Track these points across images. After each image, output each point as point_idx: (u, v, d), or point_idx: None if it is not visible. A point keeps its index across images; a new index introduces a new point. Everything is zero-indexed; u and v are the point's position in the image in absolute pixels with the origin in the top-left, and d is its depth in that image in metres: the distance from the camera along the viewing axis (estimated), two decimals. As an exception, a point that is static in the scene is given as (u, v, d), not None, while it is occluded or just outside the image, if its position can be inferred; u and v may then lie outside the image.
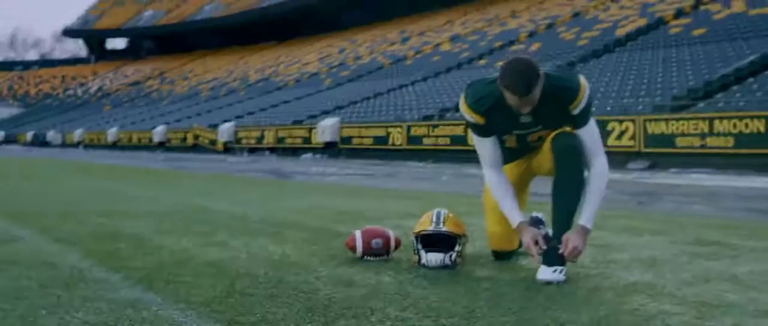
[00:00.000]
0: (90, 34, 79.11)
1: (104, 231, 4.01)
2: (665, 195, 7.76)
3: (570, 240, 2.74)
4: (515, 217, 2.91)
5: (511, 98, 2.68)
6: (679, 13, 26.20)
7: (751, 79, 16.58)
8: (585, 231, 2.79)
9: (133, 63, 75.39)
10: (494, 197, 2.99)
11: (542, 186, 3.52)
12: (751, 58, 17.78)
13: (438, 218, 3.00)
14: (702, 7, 25.95)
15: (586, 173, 2.87)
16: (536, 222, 3.37)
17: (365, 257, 3.07)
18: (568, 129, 2.90)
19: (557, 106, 2.80)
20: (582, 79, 2.84)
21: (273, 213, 5.25)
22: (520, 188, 3.13)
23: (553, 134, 2.90)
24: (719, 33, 21.79)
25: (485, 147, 2.97)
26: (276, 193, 7.84)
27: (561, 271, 2.68)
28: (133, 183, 9.33)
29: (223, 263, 2.98)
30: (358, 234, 3.12)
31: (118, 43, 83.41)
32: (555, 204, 2.85)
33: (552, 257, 2.72)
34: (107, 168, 15.11)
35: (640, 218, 5.10)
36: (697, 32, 22.68)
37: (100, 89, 67.88)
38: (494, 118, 2.86)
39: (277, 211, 5.38)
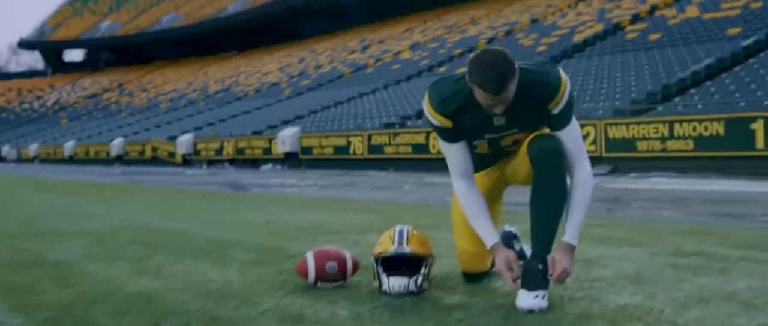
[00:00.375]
0: (46, 45, 77.27)
1: (25, 258, 3.57)
2: (632, 200, 7.55)
3: (557, 261, 2.41)
4: (489, 237, 2.57)
5: (482, 96, 2.34)
6: (636, 19, 26.36)
7: (708, 83, 16.63)
8: (571, 249, 2.47)
9: (91, 75, 73.84)
10: (465, 212, 2.64)
11: (516, 195, 3.21)
12: (707, 61, 17.88)
13: (400, 237, 2.64)
14: (657, 12, 26.15)
15: (568, 181, 2.56)
16: (509, 238, 3.05)
17: (319, 283, 2.71)
18: (546, 131, 2.58)
19: (534, 105, 2.47)
20: (562, 74, 2.51)
21: (223, 230, 4.85)
22: (492, 199, 2.80)
23: (530, 137, 2.57)
24: (675, 37, 21.94)
25: (454, 153, 2.62)
26: (230, 207, 7.43)
27: (543, 296, 2.34)
28: (82, 200, 8.83)
29: (152, 295, 2.57)
30: (309, 257, 2.74)
31: (75, 55, 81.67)
32: (534, 217, 2.52)
33: (533, 280, 2.38)
34: (58, 183, 14.48)
35: (613, 226, 4.83)
36: (653, 37, 22.81)
37: (57, 102, 66.26)
38: (463, 120, 2.51)
39: (228, 228, 4.99)
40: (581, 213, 2.53)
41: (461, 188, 2.64)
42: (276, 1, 53.87)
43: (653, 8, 26.73)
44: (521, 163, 2.61)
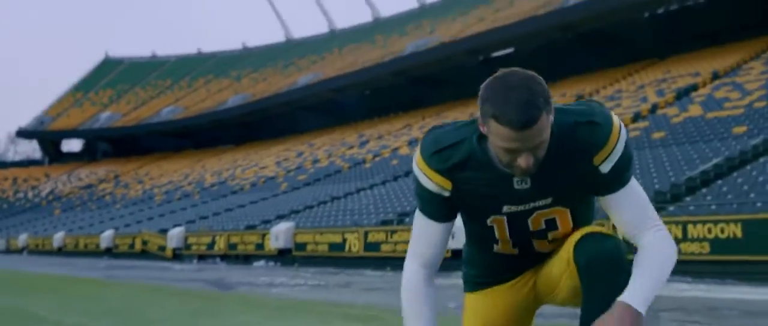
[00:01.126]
0: (44, 135, 77.47)
1: None
2: (658, 311, 6.72)
3: None
4: None
5: (500, 137, 1.56)
6: (637, 117, 26.06)
7: (719, 182, 16.01)
8: (631, 316, 1.63)
9: (88, 165, 73.61)
10: (404, 311, 1.82)
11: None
12: (715, 160, 17.35)
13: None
14: (659, 112, 25.91)
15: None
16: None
17: None
18: (602, 228, 1.79)
19: (573, 159, 1.67)
20: (613, 116, 1.72)
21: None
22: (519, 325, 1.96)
23: (576, 235, 1.74)
24: (679, 136, 21.55)
25: (427, 232, 1.83)
26: (199, 311, 6.60)
27: None
28: (31, 299, 7.99)
29: None
30: None
31: (73, 145, 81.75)
32: None
33: None
34: (27, 277, 13.59)
35: (646, 347, 4.02)
36: (656, 135, 22.41)
37: (51, 192, 65.69)
38: (468, 181, 1.71)
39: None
40: (655, 278, 1.69)
41: (414, 275, 1.84)
42: (275, 95, 54.29)
43: (654, 107, 26.52)
44: (561, 271, 1.79)
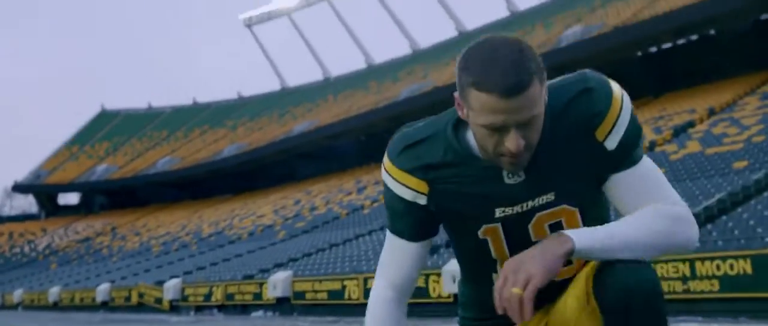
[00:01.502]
0: (41, 189, 77.10)
1: None
2: (674, 354, 6.42)
3: (509, 267, 1.28)
4: None
5: (484, 108, 1.26)
6: (637, 155, 25.94)
7: (724, 217, 15.76)
8: (562, 244, 1.29)
9: (85, 218, 73.11)
10: None
11: None
12: (718, 196, 17.13)
13: None
14: (658, 149, 25.78)
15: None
16: None
17: None
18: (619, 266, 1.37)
19: (574, 139, 1.37)
20: (612, 82, 1.42)
21: None
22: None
23: (592, 266, 1.38)
24: (680, 172, 21.36)
25: (398, 253, 1.59)
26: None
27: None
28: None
29: None
30: None
31: (70, 199, 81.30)
32: None
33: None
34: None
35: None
36: (657, 173, 22.25)
37: (48, 246, 65.08)
38: (447, 180, 1.42)
39: None
40: (636, 228, 1.34)
41: (382, 300, 1.64)
42: (271, 144, 54.21)
43: (653, 144, 26.39)
44: (579, 309, 1.40)
